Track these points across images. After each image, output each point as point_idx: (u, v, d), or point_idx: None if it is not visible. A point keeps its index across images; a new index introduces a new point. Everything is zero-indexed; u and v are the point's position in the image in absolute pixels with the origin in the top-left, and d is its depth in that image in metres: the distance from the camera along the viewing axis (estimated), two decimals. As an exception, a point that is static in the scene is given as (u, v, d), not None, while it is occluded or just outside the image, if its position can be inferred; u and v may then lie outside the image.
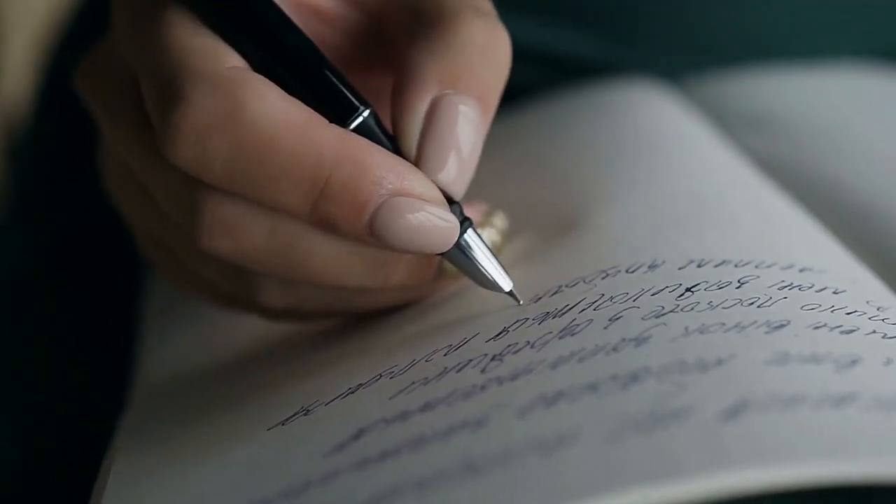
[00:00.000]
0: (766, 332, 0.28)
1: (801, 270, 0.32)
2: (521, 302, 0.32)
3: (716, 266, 0.32)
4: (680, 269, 0.32)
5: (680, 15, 0.49)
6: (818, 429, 0.24)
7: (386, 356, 0.32)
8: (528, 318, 0.31)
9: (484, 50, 0.31)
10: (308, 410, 0.31)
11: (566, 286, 0.32)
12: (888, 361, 0.27)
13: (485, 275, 0.32)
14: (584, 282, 0.32)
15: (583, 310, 0.31)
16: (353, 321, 0.35)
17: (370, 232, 0.30)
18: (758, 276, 0.31)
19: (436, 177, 0.31)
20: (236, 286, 0.33)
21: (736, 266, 0.32)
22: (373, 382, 0.31)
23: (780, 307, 0.30)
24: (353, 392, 0.31)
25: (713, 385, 0.26)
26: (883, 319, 0.30)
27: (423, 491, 0.25)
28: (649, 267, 0.32)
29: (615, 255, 0.33)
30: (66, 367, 0.49)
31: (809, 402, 0.25)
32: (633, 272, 0.32)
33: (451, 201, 0.31)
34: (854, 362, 0.27)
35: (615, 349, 0.28)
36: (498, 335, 0.31)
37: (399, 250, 0.31)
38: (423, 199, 0.30)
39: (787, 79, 0.48)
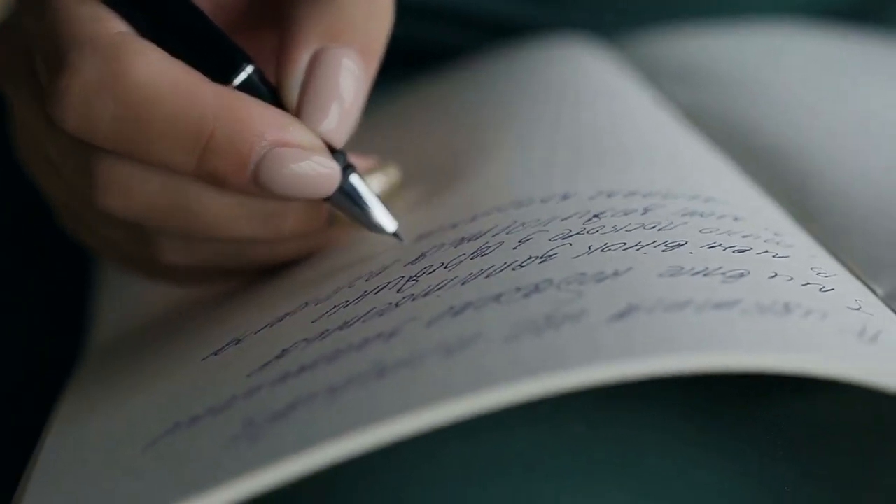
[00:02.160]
0: (663, 251, 0.30)
1: (705, 200, 0.34)
2: (405, 242, 0.33)
3: (625, 196, 0.34)
4: (591, 198, 0.34)
5: None
6: (698, 327, 0.26)
7: (312, 287, 0.34)
8: (444, 244, 0.33)
9: (365, 5, 0.32)
10: (239, 340, 0.32)
11: (481, 215, 0.34)
12: (774, 275, 0.29)
13: (369, 218, 0.33)
14: (499, 210, 0.34)
15: (495, 234, 0.32)
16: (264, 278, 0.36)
17: (255, 183, 0.31)
18: (663, 205, 0.33)
19: (317, 127, 0.32)
20: (138, 247, 0.34)
21: (644, 196, 0.34)
22: (299, 311, 0.32)
23: (681, 230, 0.31)
24: (280, 321, 0.32)
25: (607, 292, 0.28)
26: (777, 242, 0.32)
27: (334, 394, 0.27)
28: (562, 197, 0.34)
29: (530, 187, 0.35)
30: (23, 345, 0.50)
31: (693, 305, 0.27)
32: (546, 202, 0.34)
33: (334, 150, 0.32)
34: (742, 275, 0.29)
35: (521, 265, 0.30)
36: (415, 260, 0.33)
37: (285, 198, 0.32)
38: (304, 148, 0.31)
39: (712, 36, 0.50)
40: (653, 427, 0.29)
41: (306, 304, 0.33)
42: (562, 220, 0.32)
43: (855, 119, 0.42)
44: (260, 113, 0.31)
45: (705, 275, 0.29)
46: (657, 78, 0.48)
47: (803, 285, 0.29)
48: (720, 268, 0.29)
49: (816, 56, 0.48)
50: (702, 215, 0.33)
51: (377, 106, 0.49)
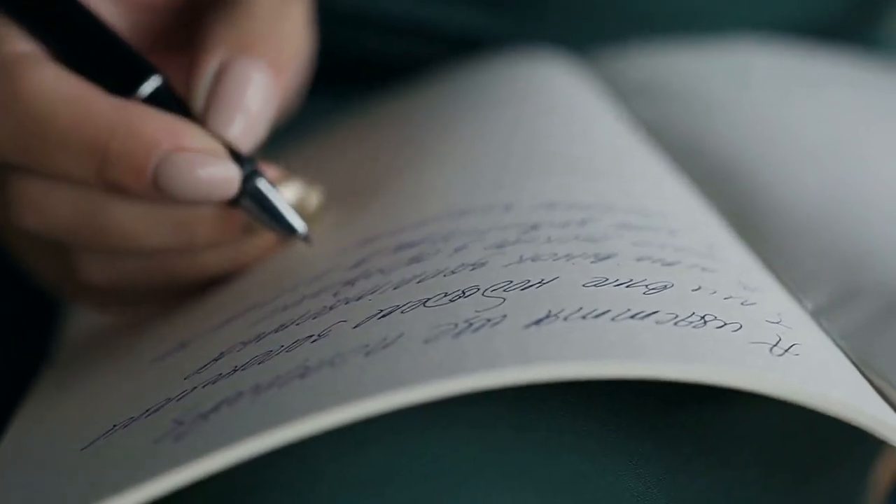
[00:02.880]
0: (592, 262, 0.31)
1: (644, 214, 0.34)
2: (311, 245, 0.34)
3: (565, 208, 0.34)
4: (532, 209, 0.34)
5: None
6: (608, 335, 0.27)
7: (257, 292, 0.34)
8: (385, 249, 0.34)
9: (274, 19, 0.33)
10: (185, 344, 0.33)
11: (425, 222, 0.35)
12: (698, 288, 0.30)
13: (277, 222, 0.33)
14: (442, 219, 0.35)
15: (434, 241, 0.33)
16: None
17: (156, 190, 0.32)
18: (601, 218, 0.34)
19: (223, 133, 0.32)
20: (61, 267, 0.35)
21: (584, 208, 0.34)
22: (242, 315, 0.33)
23: (613, 243, 0.32)
24: (225, 324, 0.33)
25: (529, 300, 0.28)
26: (709, 256, 0.32)
27: (258, 392, 0.28)
28: (504, 208, 0.35)
29: (475, 197, 0.35)
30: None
31: (610, 315, 0.27)
32: (488, 212, 0.34)
33: (240, 156, 0.33)
34: (665, 287, 0.29)
35: (453, 272, 0.31)
36: (356, 264, 0.33)
37: (189, 202, 0.32)
38: (201, 153, 0.32)
39: (680, 53, 0.51)
40: (574, 431, 0.29)
41: (251, 307, 0.33)
42: (500, 230, 0.33)
43: (804, 137, 0.42)
44: (155, 121, 0.32)
45: (628, 286, 0.29)
46: (623, 93, 0.49)
47: (725, 298, 0.29)
48: (644, 279, 0.30)
49: (781, 74, 0.49)
50: (638, 228, 0.33)
51: (344, 119, 0.50)
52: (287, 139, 0.48)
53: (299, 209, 0.35)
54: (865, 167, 0.39)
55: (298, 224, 0.34)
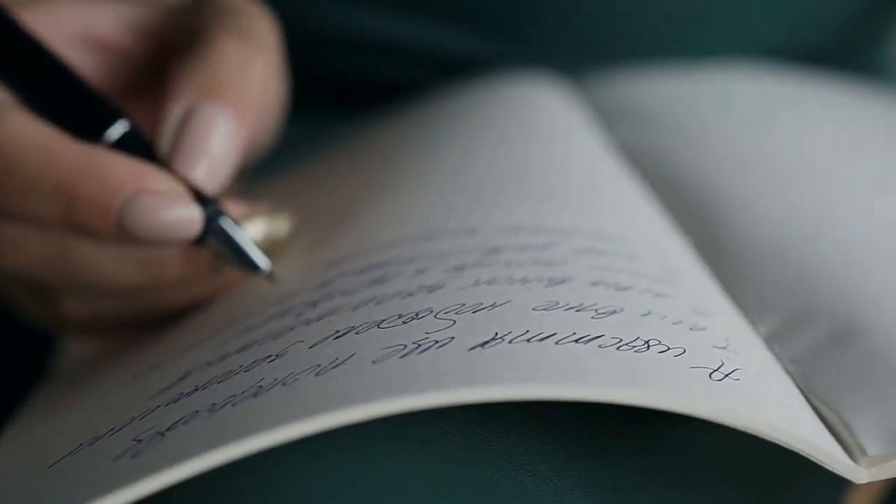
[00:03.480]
0: (546, 286, 0.31)
1: (606, 238, 0.35)
2: (276, 282, 0.35)
3: (529, 233, 0.35)
4: (495, 233, 0.35)
5: (576, 16, 0.52)
6: (550, 358, 0.27)
7: (230, 313, 0.35)
8: (351, 271, 0.34)
9: (239, 66, 0.34)
10: (157, 364, 0.34)
11: (392, 245, 0.35)
12: (647, 313, 0.30)
13: (241, 260, 0.34)
14: (409, 242, 0.35)
15: (398, 264, 0.34)
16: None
17: (121, 231, 0.33)
18: (563, 242, 0.34)
19: (188, 176, 0.34)
20: (42, 303, 0.36)
21: (548, 233, 0.35)
22: (213, 336, 0.34)
23: (569, 267, 0.32)
24: (196, 345, 0.34)
25: (478, 323, 0.29)
26: (666, 282, 0.33)
27: (213, 411, 0.28)
28: (470, 231, 0.35)
29: (440, 221, 0.36)
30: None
31: (555, 338, 0.28)
32: (453, 235, 0.35)
33: (204, 197, 0.34)
34: (613, 312, 0.30)
35: (410, 294, 0.31)
36: (321, 285, 0.34)
37: (154, 243, 0.34)
38: (163, 196, 0.33)
39: (666, 79, 0.51)
40: (524, 452, 0.30)
41: (221, 328, 0.34)
42: (462, 253, 0.34)
43: (777, 165, 0.43)
44: (120, 166, 0.33)
45: (578, 310, 0.30)
46: (607, 116, 0.49)
47: (674, 324, 0.30)
48: (595, 304, 0.30)
49: (764, 101, 0.49)
50: (597, 253, 0.34)
51: (330, 142, 0.51)
52: (275, 161, 0.49)
53: (267, 243, 0.36)
54: (834, 197, 0.40)
55: (262, 261, 0.35)
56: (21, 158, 0.33)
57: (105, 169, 0.33)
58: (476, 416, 0.30)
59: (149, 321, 0.37)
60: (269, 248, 0.36)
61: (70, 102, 0.34)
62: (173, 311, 0.36)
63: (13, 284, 0.37)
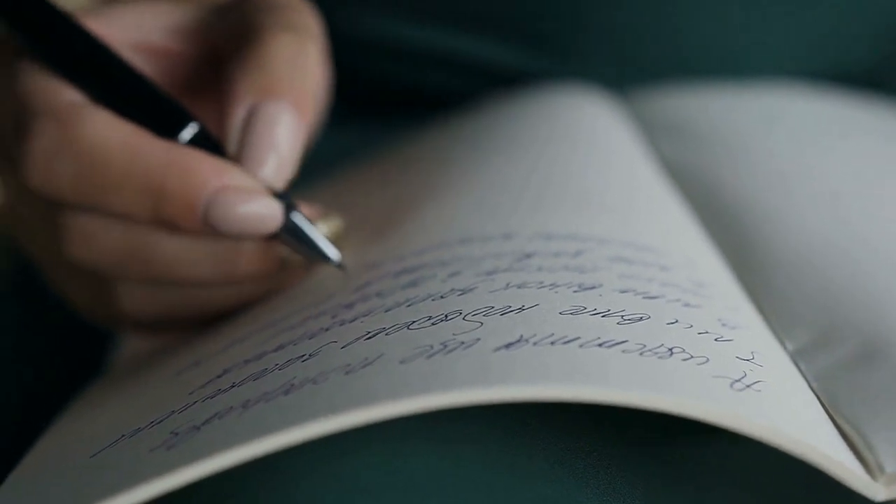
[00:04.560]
0: (575, 292, 0.32)
1: (639, 248, 0.35)
2: (347, 271, 0.36)
3: (562, 239, 0.35)
4: (529, 239, 0.35)
5: (623, 33, 0.52)
6: (573, 361, 0.28)
7: (271, 312, 0.36)
8: (388, 274, 0.35)
9: (292, 61, 0.35)
10: (199, 361, 0.35)
11: (428, 249, 0.36)
12: (674, 322, 0.31)
13: (314, 251, 0.36)
14: (444, 246, 0.36)
15: (432, 267, 0.34)
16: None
17: (206, 225, 0.34)
18: (595, 249, 0.35)
19: (257, 174, 0.35)
20: (102, 299, 0.37)
21: (581, 240, 0.35)
22: (252, 334, 0.35)
23: (601, 274, 0.33)
24: (236, 343, 0.35)
25: (505, 325, 0.30)
26: (694, 293, 0.33)
27: (246, 406, 0.29)
28: (504, 236, 0.36)
29: (476, 226, 0.37)
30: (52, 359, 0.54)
31: (579, 342, 0.29)
32: (488, 240, 0.36)
33: (276, 193, 0.35)
34: (640, 319, 0.30)
35: (442, 297, 0.32)
36: (359, 287, 0.35)
37: (235, 236, 0.35)
38: (246, 191, 0.34)
39: (712, 96, 0.52)
40: (545, 458, 0.30)
41: (261, 328, 0.35)
42: (495, 257, 0.34)
43: (817, 182, 0.43)
44: (203, 163, 0.34)
45: (604, 316, 0.30)
46: (650, 130, 0.50)
47: (699, 333, 0.30)
48: (622, 310, 0.31)
49: (807, 120, 0.49)
50: (629, 262, 0.34)
51: (377, 150, 0.52)
52: (321, 170, 0.50)
53: (331, 239, 0.37)
54: (869, 215, 0.40)
55: (332, 252, 0.36)
56: (110, 156, 0.34)
57: (190, 166, 0.34)
58: (499, 419, 0.30)
59: (204, 318, 0.38)
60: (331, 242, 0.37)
61: (145, 105, 0.36)
62: (232, 307, 0.37)
63: (73, 276, 0.38)
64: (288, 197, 0.36)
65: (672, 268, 0.34)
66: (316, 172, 0.50)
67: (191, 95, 0.39)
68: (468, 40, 0.53)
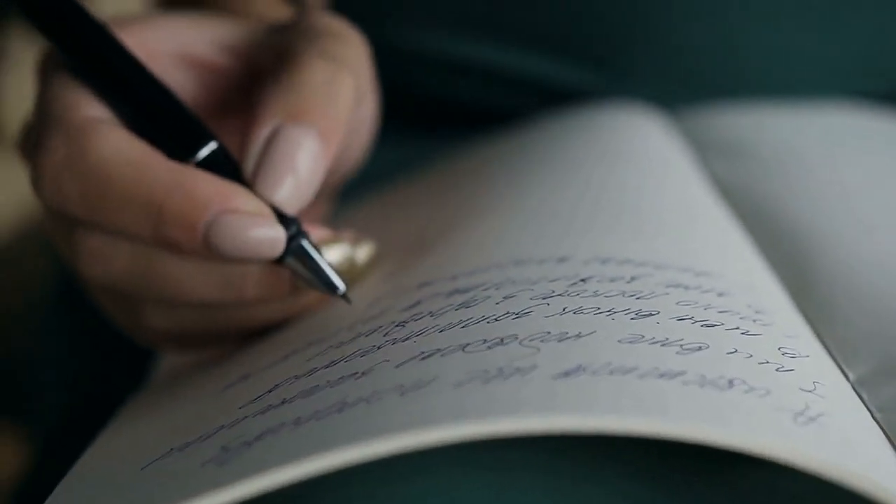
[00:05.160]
0: (632, 319, 0.31)
1: (696, 274, 0.35)
2: (352, 303, 0.36)
3: (618, 263, 0.35)
4: (585, 263, 0.35)
5: (674, 51, 0.52)
6: (632, 392, 0.27)
7: (321, 327, 0.36)
8: (440, 293, 0.35)
9: (323, 89, 0.35)
10: (247, 376, 0.35)
11: (481, 269, 0.36)
12: (733, 351, 0.30)
13: (319, 280, 0.35)
14: (498, 267, 0.36)
15: (485, 289, 0.34)
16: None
17: (207, 248, 0.34)
18: (652, 275, 0.34)
19: (271, 196, 0.34)
20: (126, 313, 0.37)
21: (637, 265, 0.35)
22: (302, 350, 0.35)
23: (658, 301, 0.32)
24: (285, 358, 0.35)
25: (563, 352, 0.29)
26: (754, 321, 0.33)
27: (298, 424, 0.29)
28: (559, 259, 0.36)
29: (531, 248, 0.36)
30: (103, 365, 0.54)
31: (637, 372, 0.28)
32: (542, 263, 0.35)
33: (286, 218, 0.35)
34: (699, 348, 0.30)
35: (497, 319, 0.32)
36: (410, 306, 0.34)
37: (237, 261, 0.34)
38: (249, 215, 0.34)
39: (764, 114, 0.51)
40: (603, 485, 0.30)
41: (310, 343, 0.35)
42: (549, 281, 0.34)
43: (877, 207, 0.42)
44: (208, 184, 0.34)
45: (663, 345, 0.30)
46: (704, 150, 0.49)
47: (760, 364, 0.30)
48: (681, 339, 0.30)
49: (864, 139, 0.49)
50: (686, 288, 0.34)
51: (428, 165, 0.51)
52: (372, 184, 0.50)
53: (345, 267, 0.37)
54: None
55: (338, 283, 0.36)
56: (116, 173, 0.34)
57: (194, 187, 0.34)
58: (552, 447, 0.30)
59: (230, 338, 0.38)
60: (347, 272, 0.37)
61: (165, 122, 0.36)
62: (251, 329, 0.37)
63: (101, 294, 0.38)
64: (297, 222, 0.35)
65: (730, 294, 0.34)
66: (363, 187, 0.49)
67: (226, 112, 0.39)
68: (518, 56, 0.53)
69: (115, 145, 0.34)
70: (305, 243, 0.35)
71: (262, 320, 0.37)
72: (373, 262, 0.39)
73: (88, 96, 0.36)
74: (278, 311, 0.37)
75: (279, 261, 0.35)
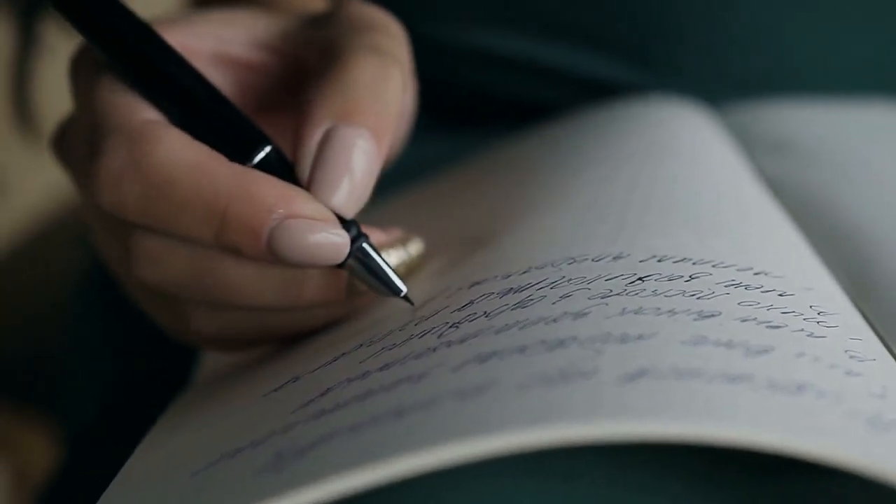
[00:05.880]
0: (694, 320, 0.30)
1: (756, 273, 0.34)
2: (415, 304, 0.35)
3: (675, 262, 0.34)
4: (641, 261, 0.34)
5: (719, 47, 0.51)
6: (702, 397, 0.26)
7: (370, 328, 0.35)
8: (493, 293, 0.34)
9: (374, 86, 0.34)
10: (297, 378, 0.34)
11: (535, 268, 0.35)
12: (801, 354, 0.29)
13: (381, 283, 0.35)
14: (552, 265, 0.35)
15: (540, 288, 0.33)
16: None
17: (270, 253, 0.33)
18: (710, 274, 0.33)
19: (328, 200, 0.34)
20: (173, 316, 0.37)
21: (694, 263, 0.34)
22: (353, 351, 0.34)
23: (719, 301, 0.32)
24: (336, 360, 0.34)
25: (624, 354, 0.28)
26: (818, 322, 0.32)
27: (355, 432, 0.28)
28: (614, 258, 0.35)
29: (586, 246, 0.36)
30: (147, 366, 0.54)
31: (705, 376, 0.27)
32: (598, 261, 0.35)
33: (345, 220, 0.34)
34: (765, 351, 0.29)
35: (555, 320, 0.31)
36: (463, 307, 0.34)
37: (299, 266, 0.34)
38: (313, 220, 0.33)
39: (814, 110, 0.50)
40: (663, 494, 0.29)
41: (360, 344, 0.34)
42: (606, 280, 0.33)
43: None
44: (271, 188, 0.33)
45: (728, 347, 0.29)
46: (751, 147, 0.48)
47: (828, 367, 0.29)
48: (746, 341, 0.29)
49: None
50: (746, 288, 0.33)
51: (469, 160, 0.51)
52: (410, 180, 0.49)
53: (401, 267, 0.36)
54: None
55: (401, 285, 0.35)
56: (177, 177, 0.33)
57: (258, 191, 0.33)
58: (608, 454, 0.29)
59: (278, 341, 0.37)
60: (403, 272, 0.36)
61: (218, 125, 0.35)
62: (303, 332, 0.37)
63: (150, 295, 0.37)
64: (357, 225, 0.35)
65: (792, 294, 0.33)
66: (396, 184, 0.49)
67: (267, 110, 0.38)
68: (561, 52, 0.52)
69: (176, 148, 0.33)
70: (367, 246, 0.35)
71: (314, 323, 0.36)
72: (423, 260, 0.38)
73: (140, 99, 0.35)
74: (331, 313, 0.36)
75: (340, 264, 0.34)
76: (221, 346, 0.38)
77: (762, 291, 0.33)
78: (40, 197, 0.84)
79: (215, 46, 0.37)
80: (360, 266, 0.35)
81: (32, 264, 0.77)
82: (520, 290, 0.34)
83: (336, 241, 0.33)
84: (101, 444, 0.57)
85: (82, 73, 0.37)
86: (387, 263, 0.35)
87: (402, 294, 0.35)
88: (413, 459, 0.26)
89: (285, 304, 0.35)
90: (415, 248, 0.38)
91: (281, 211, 0.33)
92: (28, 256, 0.77)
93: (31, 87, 0.61)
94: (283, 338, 0.37)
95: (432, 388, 0.29)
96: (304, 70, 0.37)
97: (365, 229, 0.35)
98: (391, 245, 0.37)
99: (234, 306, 0.35)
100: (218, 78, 0.37)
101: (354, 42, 0.36)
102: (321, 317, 0.36)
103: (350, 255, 0.34)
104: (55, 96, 0.57)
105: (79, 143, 0.37)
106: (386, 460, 0.26)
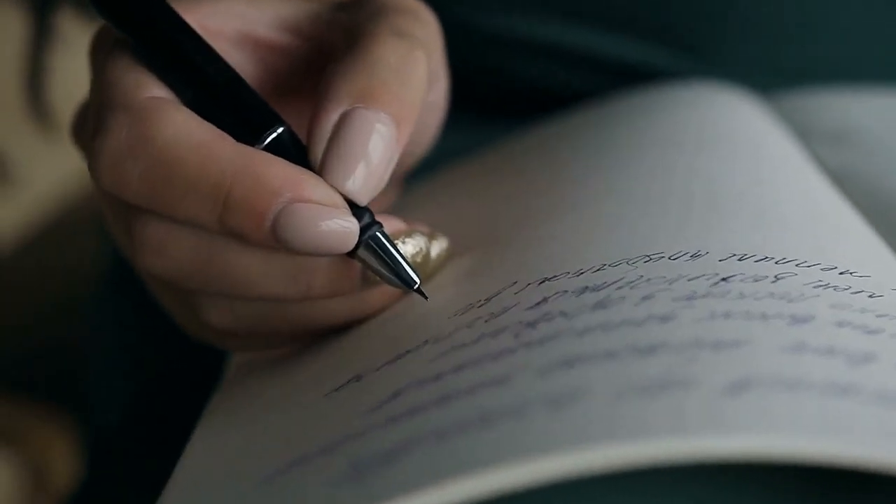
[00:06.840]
0: (789, 325, 0.29)
1: (841, 273, 0.33)
2: (428, 298, 0.33)
3: (756, 261, 0.33)
4: (721, 260, 0.33)
5: (767, 34, 0.50)
6: (820, 412, 0.25)
7: (433, 323, 0.34)
8: (567, 291, 0.33)
9: (397, 69, 0.33)
10: (360, 377, 0.32)
11: (609, 265, 0.33)
12: (904, 362, 0.28)
13: (393, 274, 0.33)
14: (628, 263, 0.33)
15: (619, 287, 0.32)
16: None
17: (275, 238, 0.31)
18: (795, 274, 0.32)
19: (342, 185, 0.32)
20: (185, 308, 0.35)
21: (777, 263, 0.33)
22: (418, 349, 0.32)
23: (810, 304, 0.30)
24: (400, 358, 0.32)
25: (723, 362, 0.27)
26: (912, 326, 0.30)
27: (442, 440, 0.27)
28: (692, 256, 0.33)
29: (662, 243, 0.34)
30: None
31: (812, 387, 0.26)
32: (675, 259, 0.33)
33: (359, 207, 0.33)
34: (868, 359, 0.28)
35: (640, 324, 0.30)
36: (536, 304, 0.32)
37: (306, 253, 0.32)
38: (321, 205, 0.31)
39: (871, 99, 0.49)
40: None
41: (426, 341, 0.32)
42: (688, 280, 0.32)
43: None
44: (278, 170, 0.31)
45: (830, 355, 0.28)
46: (807, 137, 0.47)
47: (935, 376, 0.28)
48: (846, 348, 0.28)
49: None
50: (835, 289, 0.31)
51: (505, 145, 0.49)
52: (440, 168, 0.48)
53: (417, 261, 0.35)
54: None
55: (415, 277, 0.33)
56: (182, 156, 0.31)
57: (264, 172, 0.31)
58: (701, 468, 0.28)
59: (298, 339, 0.36)
60: (421, 266, 0.35)
61: (230, 104, 0.33)
62: (314, 328, 0.35)
63: (159, 287, 0.36)
64: (369, 212, 0.33)
65: (881, 295, 0.32)
66: (429, 175, 0.47)
67: (289, 93, 0.36)
68: (606, 40, 0.51)
69: (181, 127, 0.32)
70: (380, 234, 0.33)
71: (327, 318, 0.34)
72: (446, 259, 0.36)
73: (150, 76, 0.33)
74: (345, 308, 0.34)
75: (350, 253, 0.33)
76: (238, 342, 0.36)
77: (851, 293, 0.32)
78: (56, 188, 0.83)
79: (240, 26, 0.36)
80: (372, 256, 0.33)
81: (49, 256, 0.75)
82: (596, 289, 0.32)
83: (345, 229, 0.32)
84: (124, 444, 0.55)
85: (99, 53, 0.35)
86: (400, 254, 0.33)
87: (416, 287, 0.33)
88: (509, 472, 0.25)
89: (295, 295, 0.33)
90: (439, 244, 0.36)
91: (288, 194, 0.31)
92: (46, 248, 0.76)
93: (45, 78, 0.60)
94: (302, 335, 0.35)
95: (518, 394, 0.28)
96: (329, 54, 0.35)
97: (382, 218, 0.34)
98: (409, 234, 0.35)
99: (243, 297, 0.33)
100: (240, 59, 0.36)
101: (379, 25, 0.34)
102: (338, 312, 0.34)
103: (360, 243, 0.32)
104: (69, 88, 0.55)
105: (90, 125, 0.35)
106: (481, 472, 0.25)
